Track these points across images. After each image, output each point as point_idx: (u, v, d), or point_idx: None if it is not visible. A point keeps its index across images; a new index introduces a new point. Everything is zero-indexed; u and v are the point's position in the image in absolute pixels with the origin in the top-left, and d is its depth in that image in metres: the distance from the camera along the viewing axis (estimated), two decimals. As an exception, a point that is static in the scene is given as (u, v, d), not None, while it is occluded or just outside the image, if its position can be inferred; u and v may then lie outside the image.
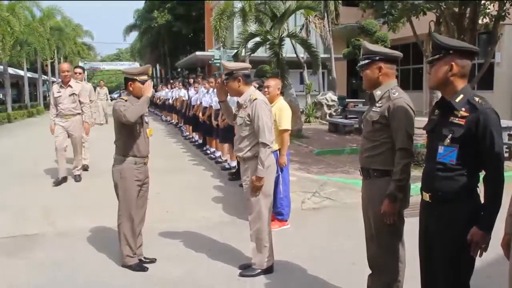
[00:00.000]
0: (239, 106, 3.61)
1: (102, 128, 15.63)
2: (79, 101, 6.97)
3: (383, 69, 2.70)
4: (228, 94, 3.69)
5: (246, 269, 3.66)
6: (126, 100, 3.63)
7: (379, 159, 2.69)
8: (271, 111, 3.64)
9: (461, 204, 2.18)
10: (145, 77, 3.67)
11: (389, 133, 2.65)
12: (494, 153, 2.11)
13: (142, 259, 3.86)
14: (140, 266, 3.75)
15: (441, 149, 2.21)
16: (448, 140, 2.18)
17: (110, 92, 22.01)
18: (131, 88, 3.67)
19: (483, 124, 2.10)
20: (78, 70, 8.00)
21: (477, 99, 2.16)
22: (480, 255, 2.17)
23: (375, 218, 2.71)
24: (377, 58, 2.70)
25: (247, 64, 3.74)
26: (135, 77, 3.65)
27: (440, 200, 2.24)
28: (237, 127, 3.63)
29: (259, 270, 3.60)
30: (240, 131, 3.55)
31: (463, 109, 2.16)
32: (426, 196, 2.31)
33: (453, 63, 2.19)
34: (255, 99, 3.49)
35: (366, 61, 2.73)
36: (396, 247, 2.76)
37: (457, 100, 2.19)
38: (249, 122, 3.49)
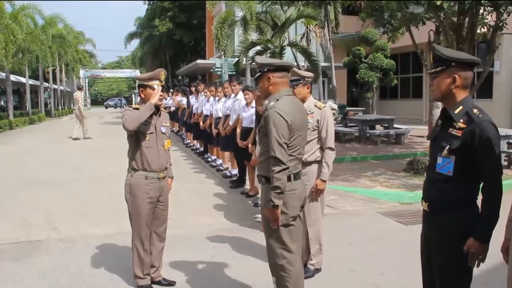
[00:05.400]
0: None
1: (102, 135, 15.72)
2: None
3: (272, 79, 2.82)
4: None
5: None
6: (137, 109, 3.37)
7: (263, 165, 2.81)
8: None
9: (457, 214, 2.18)
10: (156, 82, 3.39)
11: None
12: (491, 164, 2.11)
13: (161, 280, 3.62)
14: None
15: (439, 160, 2.22)
16: (446, 151, 2.18)
17: (110, 99, 22.04)
18: (142, 95, 3.41)
19: (479, 136, 2.09)
20: None
21: (475, 111, 2.16)
22: (478, 266, 2.18)
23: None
24: (266, 69, 2.82)
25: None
26: (145, 83, 3.40)
27: (437, 210, 2.26)
28: None
29: (315, 269, 3.74)
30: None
31: (461, 120, 2.16)
32: (425, 205, 2.33)
33: (456, 75, 2.18)
34: (324, 106, 3.70)
35: (258, 73, 2.87)
36: None
37: (456, 112, 2.20)
38: (316, 128, 3.64)
